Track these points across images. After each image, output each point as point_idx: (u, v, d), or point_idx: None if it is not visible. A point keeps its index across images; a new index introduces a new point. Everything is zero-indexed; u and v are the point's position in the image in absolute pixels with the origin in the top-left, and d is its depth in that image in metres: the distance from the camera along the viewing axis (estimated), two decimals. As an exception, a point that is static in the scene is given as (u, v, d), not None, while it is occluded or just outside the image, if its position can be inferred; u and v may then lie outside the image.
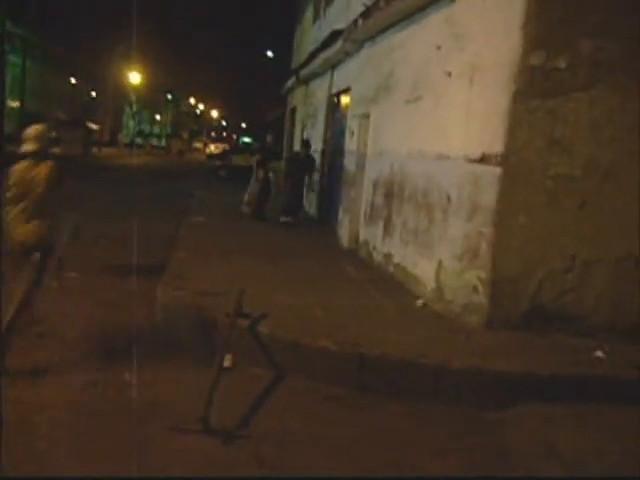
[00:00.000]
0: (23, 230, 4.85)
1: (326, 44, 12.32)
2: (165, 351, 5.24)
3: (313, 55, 14.33)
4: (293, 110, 20.60)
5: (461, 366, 4.72)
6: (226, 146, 42.78)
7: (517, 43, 5.44)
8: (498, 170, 5.58)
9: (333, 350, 4.88)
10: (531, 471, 3.84)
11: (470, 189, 5.94)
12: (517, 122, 5.50)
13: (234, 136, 70.75)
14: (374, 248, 8.73)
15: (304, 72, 16.12)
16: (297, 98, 19.32)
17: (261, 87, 47.21)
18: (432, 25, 7.21)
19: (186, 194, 16.68)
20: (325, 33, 13.13)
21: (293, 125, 20.07)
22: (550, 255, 5.66)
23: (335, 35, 11.38)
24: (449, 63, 6.58)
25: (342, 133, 11.76)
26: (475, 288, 5.76)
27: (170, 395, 4.39)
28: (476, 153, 5.85)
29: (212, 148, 46.42)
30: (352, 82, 11.05)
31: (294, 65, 21.07)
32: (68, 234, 5.35)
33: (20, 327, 4.76)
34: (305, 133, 16.09)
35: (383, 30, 8.94)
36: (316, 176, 13.50)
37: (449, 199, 6.30)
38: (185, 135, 68.68)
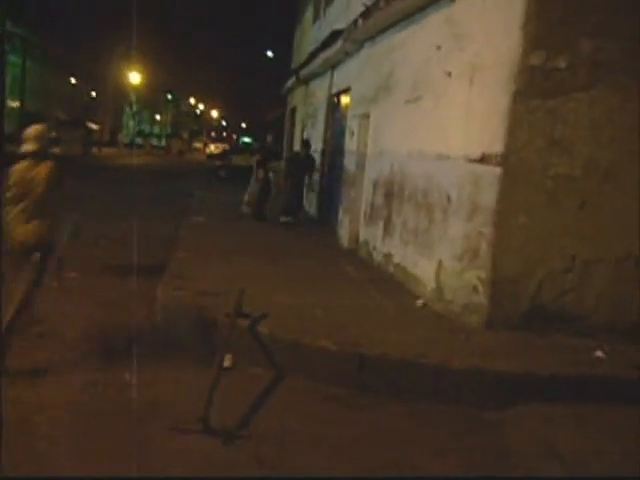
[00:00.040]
0: (23, 230, 4.84)
1: (326, 44, 12.32)
2: (165, 351, 5.24)
3: (313, 55, 14.33)
4: (293, 110, 20.60)
5: (461, 366, 4.72)
6: (226, 146, 42.79)
7: (517, 43, 5.44)
8: (498, 170, 5.58)
9: (333, 350, 4.88)
10: (531, 471, 3.84)
11: (470, 189, 5.94)
12: (517, 122, 5.50)
13: (234, 136, 70.75)
14: (374, 248, 8.73)
15: (304, 72, 16.12)
16: (297, 98, 19.32)
17: (261, 87, 47.26)
18: (432, 25, 7.21)
19: (186, 194, 16.68)
20: (325, 33, 13.14)
21: (293, 125, 20.07)
22: (550, 255, 5.66)
23: (335, 35, 11.38)
24: (449, 63, 6.58)
25: (342, 133, 11.76)
26: (475, 288, 5.76)
27: (170, 395, 4.39)
28: (476, 153, 5.85)
29: (212, 148, 46.44)
30: (352, 82, 11.05)
31: (294, 65, 21.08)
32: (68, 234, 5.35)
33: (20, 327, 4.76)
34: (305, 133, 16.09)
35: (383, 30, 8.94)
36: (316, 176, 13.50)
37: (449, 199, 6.30)
38: (185, 135, 68.69)
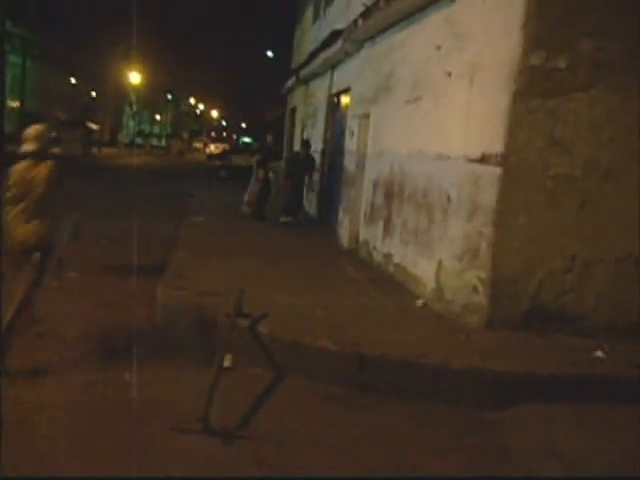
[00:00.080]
0: (23, 230, 4.85)
1: (326, 44, 12.32)
2: (165, 351, 5.24)
3: (313, 55, 14.33)
4: (293, 110, 20.60)
5: (461, 366, 4.72)
6: (226, 146, 42.81)
7: (517, 43, 5.44)
8: (498, 170, 5.58)
9: (333, 350, 4.88)
10: (531, 471, 3.84)
11: (470, 189, 5.93)
12: (517, 122, 5.50)
13: (234, 136, 70.76)
14: (374, 248, 8.73)
15: (304, 72, 16.12)
16: (297, 98, 19.32)
17: (261, 87, 47.25)
18: (432, 25, 7.21)
19: (186, 194, 16.68)
20: (325, 33, 13.14)
21: (293, 125, 20.07)
22: (550, 255, 5.66)
23: (335, 35, 11.38)
24: (449, 63, 6.58)
25: (342, 133, 11.76)
26: (475, 288, 5.76)
27: (170, 395, 4.39)
28: (476, 153, 5.85)
29: (212, 148, 46.49)
30: (352, 82, 11.05)
31: (294, 65, 21.08)
32: (68, 234, 5.35)
33: (20, 327, 4.76)
34: (305, 133, 16.09)
35: (383, 30, 8.94)
36: (316, 176, 13.49)
37: (449, 199, 6.30)
38: (185, 135, 68.68)
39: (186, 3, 58.34)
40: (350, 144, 10.63)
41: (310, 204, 14.33)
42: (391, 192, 8.15)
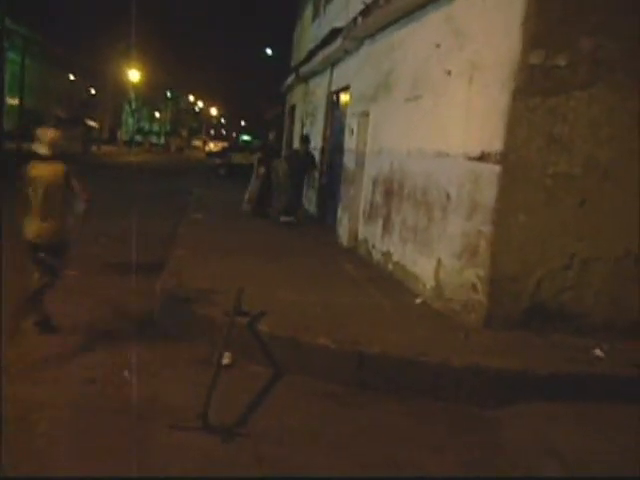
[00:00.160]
0: (37, 228, 5.09)
1: (326, 42, 12.31)
2: (164, 348, 5.24)
3: (313, 53, 14.31)
4: (292, 108, 20.59)
5: (460, 364, 4.72)
6: (225, 144, 42.83)
7: (517, 41, 5.44)
8: (497, 168, 5.58)
9: (332, 348, 4.88)
10: (530, 468, 3.84)
11: (469, 187, 5.94)
12: (517, 120, 5.50)
13: (233, 134, 70.71)
14: (373, 246, 8.73)
15: (304, 70, 16.11)
16: (297, 96, 19.31)
17: (261, 85, 47.21)
18: (432, 23, 7.20)
19: (185, 192, 16.68)
20: (325, 31, 13.12)
21: (292, 123, 20.06)
22: (549, 253, 5.66)
23: (335, 33, 11.37)
24: (449, 61, 6.57)
25: (341, 131, 11.75)
26: (474, 286, 5.76)
27: (169, 392, 4.39)
28: (476, 151, 5.85)
29: (211, 146, 46.61)
30: (352, 80, 11.04)
31: (294, 63, 21.06)
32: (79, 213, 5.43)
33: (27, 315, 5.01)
34: (304, 131, 16.08)
35: (383, 28, 8.93)
36: (315, 174, 13.48)
37: (448, 197, 6.31)
38: (184, 133, 68.69)
39: (186, 1, 58.35)
40: (349, 142, 10.62)
41: (309, 202, 14.32)
42: (390, 190, 8.15)
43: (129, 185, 17.15)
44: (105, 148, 41.13)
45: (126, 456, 3.46)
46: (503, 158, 5.54)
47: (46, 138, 5.19)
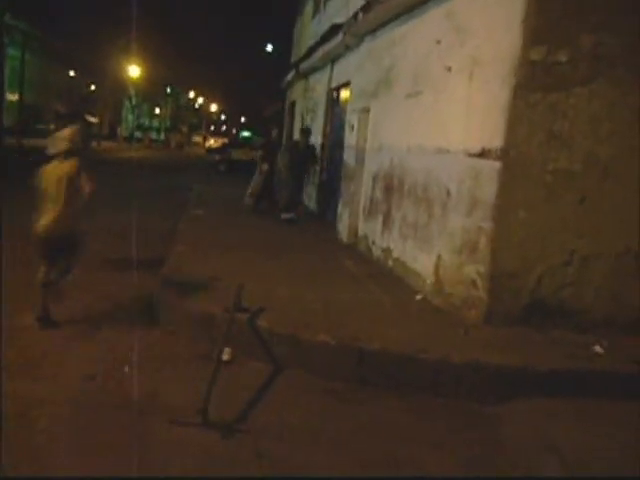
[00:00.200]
0: (49, 224, 5.26)
1: (326, 38, 12.28)
2: (164, 344, 5.24)
3: (313, 49, 14.29)
4: (293, 104, 20.56)
5: (460, 360, 4.73)
6: (225, 140, 42.78)
7: (518, 37, 5.43)
8: (498, 164, 5.57)
9: (332, 344, 4.88)
10: (530, 465, 3.85)
11: (470, 183, 5.93)
12: (517, 116, 5.49)
13: (234, 130, 70.64)
14: (373, 242, 8.73)
15: (304, 66, 16.08)
16: (297, 92, 19.28)
17: (261, 82, 47.18)
18: (433, 19, 7.19)
19: (185, 188, 16.66)
20: (325, 27, 13.09)
21: (293, 119, 20.04)
22: (549, 250, 5.66)
23: (335, 29, 11.34)
24: (449, 57, 6.56)
25: (342, 127, 11.73)
26: (474, 282, 5.76)
27: (170, 388, 4.40)
28: (476, 147, 5.84)
29: (212, 142, 46.49)
30: (352, 76, 11.02)
31: (294, 59, 21.03)
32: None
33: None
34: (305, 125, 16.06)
35: (383, 24, 8.91)
36: (316, 167, 13.43)
37: (449, 193, 6.30)
38: (184, 129, 68.56)
39: (186, -2, 58.17)
40: (350, 138, 10.61)
41: (309, 198, 14.31)
42: (391, 186, 8.14)
43: (129, 181, 17.12)
44: (105, 144, 41.05)
45: (126, 452, 3.47)
46: (503, 154, 5.53)
47: (65, 134, 5.42)
